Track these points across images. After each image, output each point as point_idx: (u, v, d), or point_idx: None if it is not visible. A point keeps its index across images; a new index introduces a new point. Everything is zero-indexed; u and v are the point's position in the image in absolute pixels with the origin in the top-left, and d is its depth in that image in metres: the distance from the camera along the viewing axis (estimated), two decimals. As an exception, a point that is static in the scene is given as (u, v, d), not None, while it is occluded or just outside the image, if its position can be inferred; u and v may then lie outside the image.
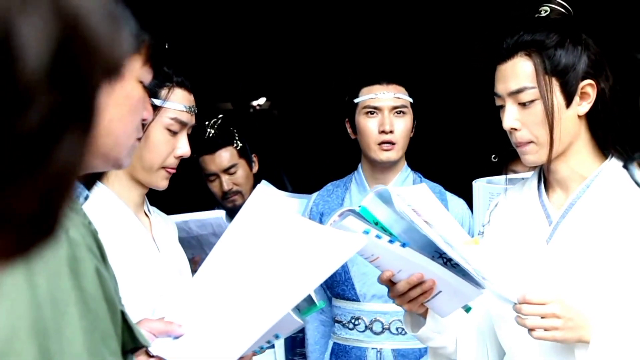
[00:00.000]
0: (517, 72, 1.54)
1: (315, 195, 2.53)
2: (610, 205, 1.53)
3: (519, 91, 1.53)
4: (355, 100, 2.40)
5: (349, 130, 2.45)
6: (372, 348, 2.30)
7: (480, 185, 2.28)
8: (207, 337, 1.28)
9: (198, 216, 2.28)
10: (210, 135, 2.66)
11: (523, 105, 1.53)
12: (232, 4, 4.35)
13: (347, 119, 2.45)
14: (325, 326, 2.48)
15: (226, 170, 2.66)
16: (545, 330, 1.41)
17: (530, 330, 1.42)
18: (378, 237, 1.37)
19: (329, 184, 2.54)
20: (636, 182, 0.83)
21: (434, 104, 2.85)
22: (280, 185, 3.45)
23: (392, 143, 2.34)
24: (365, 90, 2.39)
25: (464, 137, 4.30)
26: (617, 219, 1.52)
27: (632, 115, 1.65)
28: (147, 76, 1.06)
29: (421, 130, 2.46)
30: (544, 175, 1.65)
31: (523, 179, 1.77)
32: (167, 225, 1.95)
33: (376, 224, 1.38)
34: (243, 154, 2.70)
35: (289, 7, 4.34)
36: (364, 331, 2.32)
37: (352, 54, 4.33)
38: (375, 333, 2.31)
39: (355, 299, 2.33)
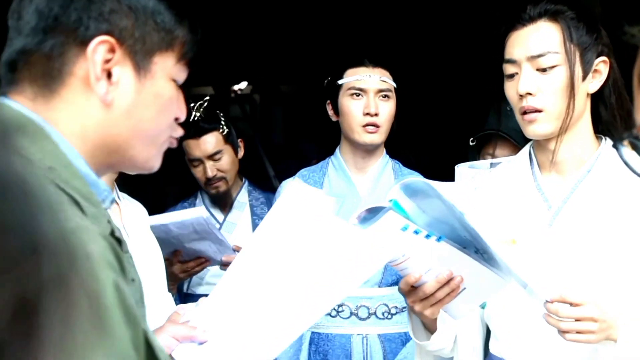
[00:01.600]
0: (542, 36, 1.50)
1: (289, 181, 2.46)
2: (612, 190, 1.52)
3: (541, 55, 1.49)
4: (340, 82, 2.35)
5: (331, 112, 2.40)
6: (358, 334, 2.26)
7: (462, 170, 2.25)
8: (233, 343, 1.21)
9: (177, 217, 2.20)
10: (196, 119, 2.58)
11: (543, 70, 1.49)
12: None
13: (328, 101, 2.40)
14: None
15: (211, 156, 2.58)
16: (578, 332, 1.36)
17: (563, 332, 1.37)
18: (416, 232, 1.32)
19: (303, 170, 2.47)
20: (625, 162, 0.80)
21: (414, 90, 2.81)
22: (262, 170, 3.42)
23: (377, 126, 2.30)
24: (350, 71, 2.35)
25: (441, 125, 4.27)
26: (620, 203, 1.50)
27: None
28: (181, 74, 1.00)
29: (400, 117, 2.42)
30: (536, 157, 1.61)
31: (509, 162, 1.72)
32: (137, 212, 1.90)
33: (407, 217, 1.33)
34: (229, 139, 2.62)
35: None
36: (348, 317, 2.27)
37: (334, 38, 4.28)
38: (360, 319, 2.27)
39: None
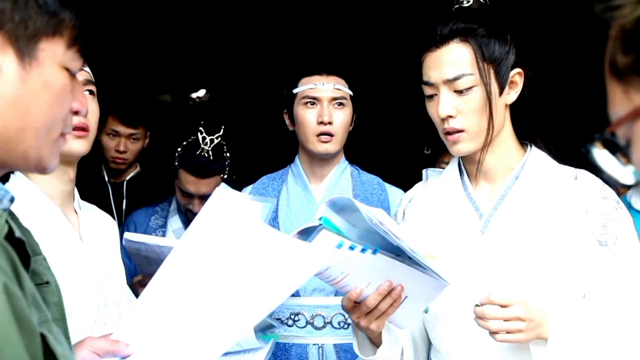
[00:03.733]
0: (454, 59, 1.51)
1: (249, 188, 2.47)
2: (539, 194, 1.55)
3: (456, 78, 1.50)
4: (294, 91, 2.35)
5: (287, 121, 2.41)
6: (314, 344, 2.26)
7: (430, 173, 2.26)
8: (159, 357, 1.17)
9: (152, 241, 2.11)
10: (204, 156, 2.51)
11: (459, 92, 1.51)
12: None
13: (285, 110, 2.40)
14: None
15: (203, 196, 2.53)
16: (508, 332, 1.38)
17: (493, 333, 1.39)
18: (352, 248, 1.31)
19: (263, 177, 2.48)
20: (595, 165, 0.80)
21: (372, 97, 2.83)
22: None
23: (331, 135, 2.30)
24: (304, 80, 2.35)
25: (401, 130, 4.30)
26: (547, 206, 1.53)
27: (550, 104, 1.66)
28: (75, 62, 0.93)
29: (359, 123, 2.43)
30: (465, 167, 1.63)
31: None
32: (103, 224, 1.87)
33: (339, 233, 1.33)
34: (226, 182, 2.58)
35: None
36: (304, 327, 2.27)
37: (292, 44, 4.27)
38: (316, 328, 2.26)
39: (295, 293, 2.28)
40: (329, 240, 1.29)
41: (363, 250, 1.33)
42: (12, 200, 0.91)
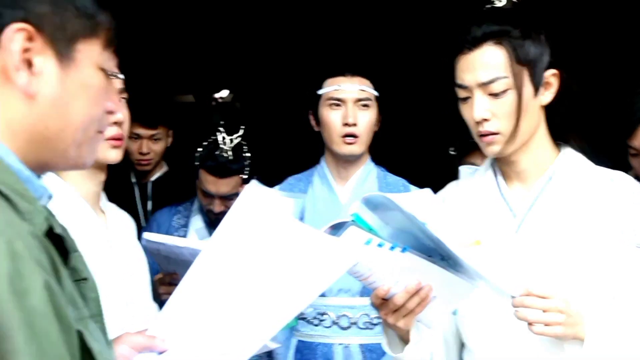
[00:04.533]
0: (488, 62, 1.50)
1: (276, 189, 2.47)
2: (573, 195, 1.54)
3: (491, 81, 1.49)
4: (319, 92, 2.36)
5: (313, 122, 2.41)
6: (339, 344, 2.26)
7: (465, 170, 2.27)
8: (194, 353, 1.18)
9: (171, 241, 2.05)
10: (224, 156, 2.53)
11: (494, 95, 1.50)
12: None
13: (310, 111, 2.41)
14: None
15: (223, 197, 2.55)
16: (546, 325, 1.38)
17: (530, 324, 1.38)
18: (380, 245, 1.31)
19: (290, 178, 2.49)
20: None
21: (398, 97, 2.82)
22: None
23: (356, 136, 2.30)
24: (329, 81, 2.36)
25: (428, 130, 4.28)
26: (582, 207, 1.52)
27: (588, 104, 1.65)
28: (110, 62, 0.95)
29: (385, 123, 2.43)
30: (499, 167, 1.63)
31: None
32: (124, 223, 1.89)
33: (370, 230, 1.33)
34: (246, 183, 2.55)
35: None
36: (330, 327, 2.28)
37: (316, 45, 4.28)
38: (342, 328, 2.27)
39: (321, 293, 2.28)
40: (357, 236, 1.30)
41: (392, 248, 1.33)
42: (50, 197, 0.93)
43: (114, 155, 1.63)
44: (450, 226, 1.63)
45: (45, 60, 0.87)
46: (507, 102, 1.50)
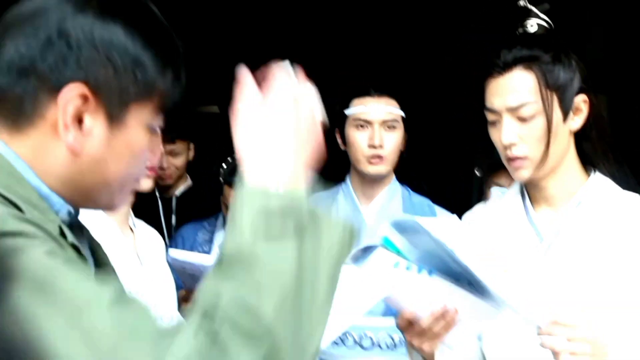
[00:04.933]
0: (517, 86, 1.50)
1: None
2: (601, 222, 1.53)
3: (520, 106, 1.49)
4: (346, 112, 2.36)
5: (339, 140, 2.42)
6: (361, 364, 2.26)
7: (495, 192, 2.27)
8: None
9: (197, 260, 2.07)
10: None
11: (523, 120, 1.50)
12: (220, 5, 4.31)
13: (337, 129, 2.41)
14: None
15: None
16: (572, 354, 1.36)
17: (556, 354, 1.37)
18: (408, 268, 1.33)
19: (314, 195, 2.48)
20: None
21: (424, 117, 2.83)
22: None
23: (382, 157, 2.30)
24: (356, 101, 2.36)
25: (453, 149, 4.29)
26: (610, 233, 1.51)
27: (620, 129, 1.64)
28: (158, 122, 0.95)
29: (410, 143, 2.42)
30: (527, 191, 1.62)
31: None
32: (152, 239, 1.91)
33: (398, 253, 1.34)
34: None
35: (282, 10, 4.30)
36: (352, 347, 2.27)
37: (345, 62, 4.29)
38: (364, 349, 2.26)
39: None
40: (385, 258, 1.31)
41: (419, 271, 1.34)
42: (70, 213, 0.93)
43: (148, 185, 1.67)
44: (477, 250, 1.63)
45: (95, 121, 0.88)
46: (536, 127, 1.50)
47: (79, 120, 0.87)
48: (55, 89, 0.86)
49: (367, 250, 1.36)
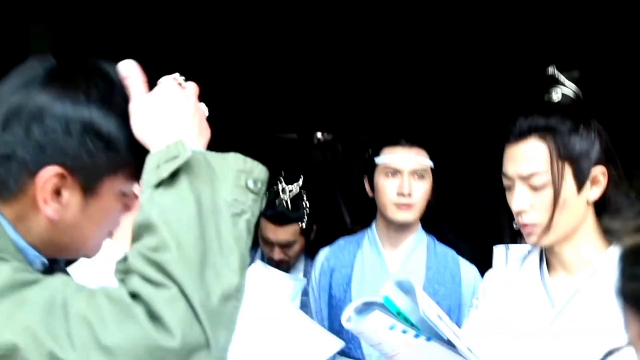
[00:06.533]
0: (530, 156, 1.52)
1: (326, 249, 2.53)
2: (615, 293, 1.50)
3: (531, 175, 1.52)
4: (376, 160, 2.41)
5: (367, 187, 2.46)
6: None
7: (499, 251, 2.25)
8: None
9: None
10: (283, 204, 2.60)
11: (534, 188, 1.52)
12: (297, 38, 4.44)
13: (365, 176, 2.46)
14: None
15: (283, 245, 2.61)
16: None
17: None
18: (404, 332, 1.34)
19: (340, 239, 2.54)
20: None
21: (452, 166, 2.83)
22: (340, 219, 3.40)
23: (410, 205, 2.33)
24: (386, 150, 2.40)
25: (480, 201, 4.23)
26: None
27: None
28: (132, 186, 1.04)
29: (438, 192, 2.44)
30: (546, 255, 1.63)
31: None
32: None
33: (398, 313, 1.35)
34: (305, 231, 2.64)
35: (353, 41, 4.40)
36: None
37: (376, 110, 4.30)
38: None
39: (361, 358, 2.32)
40: (381, 321, 1.32)
41: (416, 336, 1.34)
42: (44, 264, 1.03)
43: None
44: (492, 317, 1.64)
45: (72, 194, 0.98)
46: (547, 196, 1.51)
47: (58, 193, 0.98)
48: (34, 172, 0.96)
49: (368, 304, 1.38)
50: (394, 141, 2.39)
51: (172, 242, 0.87)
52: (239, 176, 0.95)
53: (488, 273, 1.77)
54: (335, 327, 2.21)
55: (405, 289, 1.39)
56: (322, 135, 6.24)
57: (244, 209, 0.94)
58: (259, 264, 1.97)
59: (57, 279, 0.91)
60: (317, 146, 6.30)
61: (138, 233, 0.90)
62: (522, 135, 1.53)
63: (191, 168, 0.93)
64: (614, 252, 1.55)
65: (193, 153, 0.94)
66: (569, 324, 1.52)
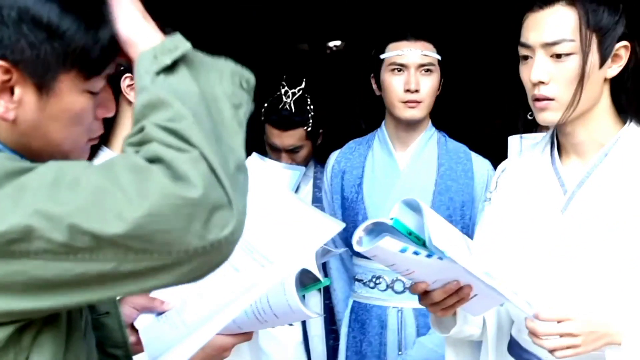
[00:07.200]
0: (557, 22, 1.44)
1: (337, 153, 2.51)
2: (629, 175, 1.47)
3: (556, 43, 1.44)
4: (381, 56, 2.34)
5: (374, 86, 2.40)
6: (394, 307, 2.30)
7: (514, 141, 2.21)
8: (191, 315, 1.24)
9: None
10: (286, 108, 2.56)
11: (557, 57, 1.45)
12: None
13: (372, 75, 2.40)
14: (349, 285, 2.49)
15: (290, 150, 2.59)
16: (568, 347, 1.36)
17: (551, 350, 1.37)
18: (416, 253, 1.31)
19: (351, 142, 2.51)
20: None
21: (462, 60, 2.73)
22: (357, 126, 3.36)
23: (417, 102, 2.28)
24: (391, 46, 2.32)
25: (492, 94, 4.13)
26: (636, 189, 1.45)
27: None
28: (97, 84, 0.98)
29: (447, 87, 2.38)
30: (557, 139, 1.58)
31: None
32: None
33: (409, 234, 1.33)
34: (311, 136, 2.60)
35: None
36: (385, 290, 2.31)
37: (381, 6, 4.18)
38: (396, 292, 2.30)
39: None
40: (391, 246, 1.29)
41: (429, 256, 1.32)
42: None
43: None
44: (506, 205, 1.61)
45: (25, 91, 0.94)
46: (569, 68, 1.44)
47: (11, 92, 0.94)
48: None
49: (378, 225, 1.35)
50: (400, 36, 2.32)
51: (187, 112, 0.87)
52: (233, 75, 0.96)
53: (500, 165, 1.73)
54: (349, 230, 2.21)
55: (414, 207, 1.35)
56: (335, 44, 6.15)
57: (242, 102, 0.95)
58: (254, 156, 1.95)
59: (60, 162, 0.89)
60: (330, 56, 6.21)
61: (144, 112, 0.89)
62: (549, 1, 1.45)
63: (190, 60, 0.93)
64: (627, 133, 1.49)
65: (189, 47, 0.94)
66: (581, 210, 1.48)
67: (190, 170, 0.83)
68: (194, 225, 0.82)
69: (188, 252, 0.84)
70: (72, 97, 0.97)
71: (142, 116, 0.88)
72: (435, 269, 1.35)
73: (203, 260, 0.85)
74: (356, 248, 1.33)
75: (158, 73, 0.90)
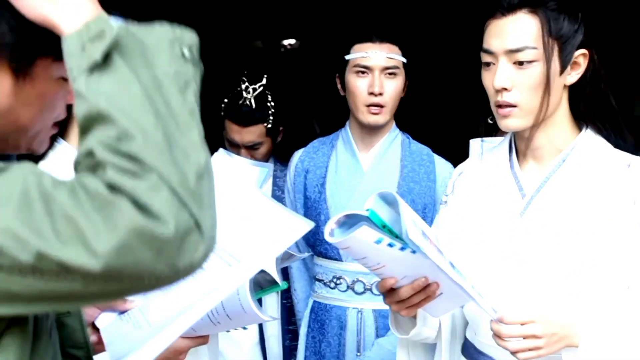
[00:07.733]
0: (520, 30, 1.46)
1: (300, 151, 2.50)
2: (585, 180, 1.50)
3: (519, 50, 1.46)
4: (346, 57, 2.34)
5: (339, 86, 2.40)
6: (353, 308, 2.31)
7: (475, 144, 2.23)
8: (153, 314, 1.22)
9: None
10: (247, 104, 2.53)
11: (519, 64, 1.46)
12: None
13: (337, 75, 2.39)
14: (310, 285, 2.49)
15: (249, 147, 2.57)
16: (530, 350, 1.38)
17: (514, 352, 1.39)
18: (390, 245, 1.31)
19: (315, 141, 2.51)
20: None
21: (426, 62, 2.76)
22: (310, 129, 3.36)
23: (381, 106, 2.28)
24: (356, 47, 2.32)
25: (455, 97, 4.20)
26: (593, 194, 1.48)
27: (612, 89, 1.59)
28: (64, 70, 0.94)
29: (412, 89, 2.39)
30: (515, 145, 1.60)
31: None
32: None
33: (383, 226, 1.33)
34: (271, 132, 2.58)
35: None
36: (345, 291, 2.32)
37: (347, 7, 4.19)
38: (356, 293, 2.31)
39: (337, 258, 2.33)
40: (367, 235, 1.29)
41: (402, 249, 1.32)
42: None
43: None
44: (464, 208, 1.62)
45: (1, 75, 0.92)
46: (531, 74, 1.46)
47: None
48: None
49: (352, 217, 1.34)
50: (365, 37, 2.32)
51: (133, 129, 0.81)
52: (172, 45, 0.87)
53: (457, 169, 1.75)
54: (311, 229, 2.20)
55: (389, 201, 1.35)
56: (289, 43, 6.13)
57: (188, 80, 0.87)
58: (221, 152, 1.92)
59: (25, 167, 0.83)
60: (284, 54, 6.20)
61: (86, 125, 0.83)
62: (511, 8, 1.46)
63: (121, 46, 0.84)
64: (583, 140, 1.53)
65: (117, 28, 0.85)
66: (539, 214, 1.51)
67: (153, 200, 0.79)
68: (164, 257, 0.80)
69: (159, 278, 0.81)
70: (46, 82, 0.95)
71: (85, 129, 0.83)
72: (406, 264, 1.35)
73: (173, 281, 0.84)
74: (328, 239, 1.32)
75: (91, 70, 0.84)
